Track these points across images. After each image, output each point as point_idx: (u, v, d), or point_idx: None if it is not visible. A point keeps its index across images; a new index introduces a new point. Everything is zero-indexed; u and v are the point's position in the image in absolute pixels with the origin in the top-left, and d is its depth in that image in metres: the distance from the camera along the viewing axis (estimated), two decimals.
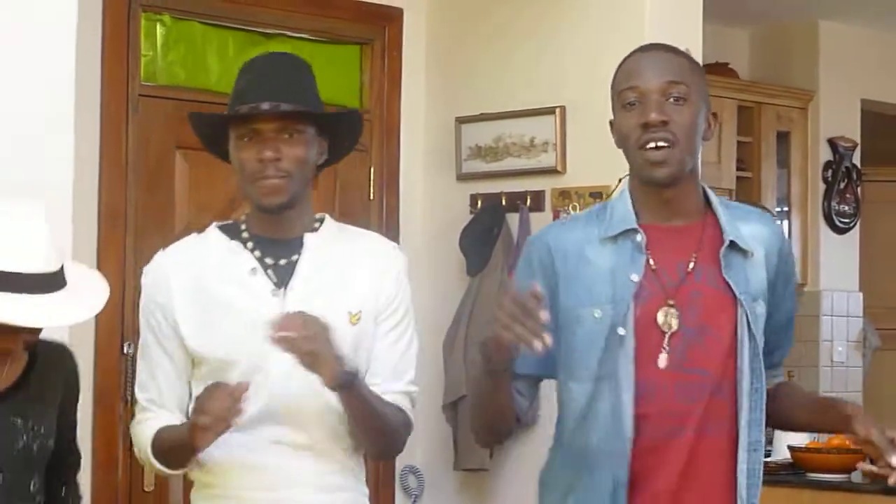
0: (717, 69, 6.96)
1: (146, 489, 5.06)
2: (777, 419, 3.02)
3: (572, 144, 5.45)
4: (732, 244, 2.84)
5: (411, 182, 5.85)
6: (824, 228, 7.54)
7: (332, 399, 2.89)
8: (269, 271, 2.96)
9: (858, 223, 7.68)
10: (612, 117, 2.87)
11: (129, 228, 5.08)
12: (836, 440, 5.33)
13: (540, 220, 5.38)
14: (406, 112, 5.83)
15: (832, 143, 7.57)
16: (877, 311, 7.76)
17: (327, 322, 2.80)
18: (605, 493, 2.79)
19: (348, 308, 2.95)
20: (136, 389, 3.05)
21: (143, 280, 3.04)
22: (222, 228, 3.03)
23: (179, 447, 2.88)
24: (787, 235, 4.62)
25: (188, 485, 3.08)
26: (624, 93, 2.82)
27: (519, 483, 5.40)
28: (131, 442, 3.08)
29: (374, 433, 2.97)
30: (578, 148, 5.42)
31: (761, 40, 7.69)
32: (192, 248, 3.03)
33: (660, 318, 2.80)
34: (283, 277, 2.95)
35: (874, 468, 2.79)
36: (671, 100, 2.79)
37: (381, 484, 5.58)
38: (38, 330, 2.80)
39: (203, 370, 2.95)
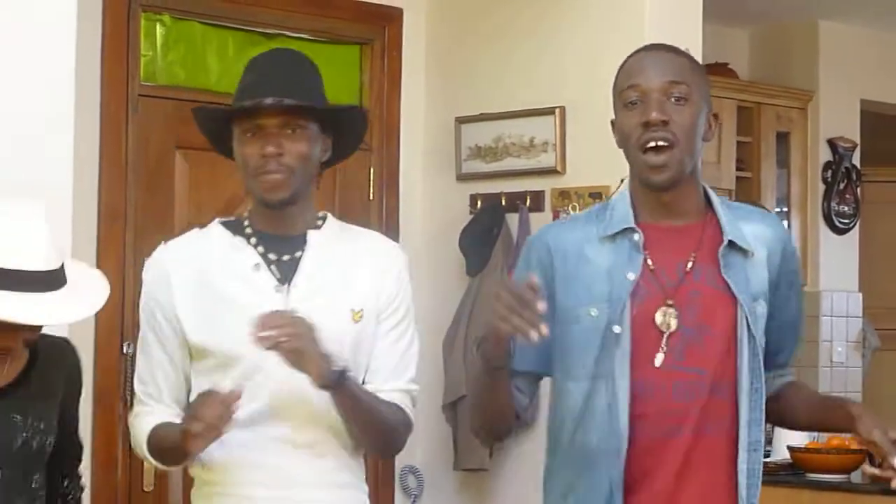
0: (717, 69, 6.96)
1: (146, 489, 5.06)
2: (783, 418, 3.03)
3: (572, 145, 5.45)
4: (732, 244, 2.84)
5: (411, 182, 5.85)
6: (824, 229, 7.55)
7: None
8: (273, 267, 2.96)
9: (858, 223, 7.68)
10: (613, 117, 2.87)
11: (129, 228, 5.08)
12: (836, 440, 5.34)
13: (540, 221, 5.38)
14: (406, 112, 5.83)
15: (832, 143, 7.57)
16: (876, 311, 7.76)
17: (312, 321, 2.80)
18: (604, 493, 2.79)
19: (351, 305, 2.96)
20: (136, 381, 3.06)
21: (144, 275, 3.04)
22: (225, 224, 3.03)
23: (173, 448, 2.89)
24: None
25: (188, 484, 3.09)
26: (625, 92, 2.82)
27: (519, 483, 5.41)
28: (131, 442, 3.08)
29: (371, 432, 2.98)
30: (578, 148, 5.42)
31: (761, 40, 7.69)
32: (195, 244, 3.03)
33: (658, 318, 2.80)
34: (286, 274, 2.95)
35: (877, 471, 2.79)
36: (672, 99, 2.79)
37: (380, 484, 5.58)
38: (39, 328, 2.80)
39: (208, 363, 2.95)
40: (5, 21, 3.46)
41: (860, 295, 7.67)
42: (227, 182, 5.06)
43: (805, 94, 7.47)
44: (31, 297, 2.68)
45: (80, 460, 3.11)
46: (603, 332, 2.80)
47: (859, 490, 5.19)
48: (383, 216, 5.75)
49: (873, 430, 2.78)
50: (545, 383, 2.96)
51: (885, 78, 7.75)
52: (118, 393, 4.99)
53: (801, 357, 7.32)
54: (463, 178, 5.77)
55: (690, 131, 2.80)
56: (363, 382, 2.99)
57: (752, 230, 2.88)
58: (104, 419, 4.95)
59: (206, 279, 2.96)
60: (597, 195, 5.26)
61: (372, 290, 2.99)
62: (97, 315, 2.87)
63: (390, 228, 5.63)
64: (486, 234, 5.56)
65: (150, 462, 3.02)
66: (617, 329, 2.79)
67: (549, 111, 5.49)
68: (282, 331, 2.75)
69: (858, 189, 7.68)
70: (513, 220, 5.57)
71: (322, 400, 2.89)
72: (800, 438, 5.45)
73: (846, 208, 7.62)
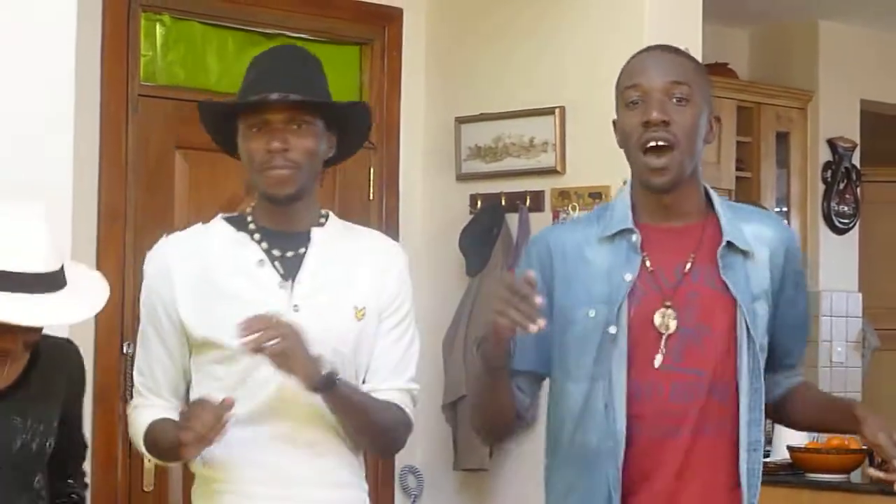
0: (717, 69, 6.96)
1: (146, 489, 5.06)
2: (789, 418, 3.04)
3: (572, 145, 5.45)
4: (730, 244, 2.84)
5: (411, 182, 5.85)
6: (823, 229, 7.55)
7: None
8: (276, 263, 2.96)
9: (858, 224, 7.68)
10: (615, 117, 2.87)
11: (129, 228, 5.08)
12: (836, 440, 5.33)
13: (539, 221, 5.39)
14: (406, 112, 5.83)
15: (831, 143, 7.57)
16: (876, 311, 7.76)
17: (298, 324, 2.80)
18: (603, 494, 2.79)
19: (354, 303, 2.96)
20: (135, 372, 3.07)
21: (145, 267, 3.04)
22: (228, 219, 3.04)
23: (168, 450, 2.90)
24: None
25: (187, 484, 3.09)
26: (627, 91, 2.83)
27: (519, 483, 5.41)
28: (131, 442, 3.09)
29: (366, 433, 2.98)
30: (578, 148, 5.42)
31: (761, 40, 7.69)
32: (197, 238, 3.03)
33: (657, 319, 2.80)
34: (289, 270, 2.95)
35: (882, 474, 2.80)
36: (674, 100, 2.80)
37: (380, 484, 5.58)
38: (39, 329, 2.80)
39: (209, 357, 2.94)
40: (5, 21, 3.46)
41: (860, 295, 7.67)
42: (227, 182, 5.06)
43: (805, 94, 7.47)
44: (31, 298, 2.68)
45: (83, 458, 3.12)
46: (601, 333, 2.80)
47: (859, 490, 5.19)
48: (383, 216, 5.75)
49: (878, 434, 2.79)
50: (545, 384, 2.97)
51: (884, 78, 7.75)
52: (118, 393, 4.99)
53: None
54: (463, 178, 5.77)
55: (691, 132, 2.80)
56: (363, 381, 2.99)
57: (753, 230, 2.87)
58: (104, 419, 4.95)
59: (208, 274, 2.96)
60: (597, 195, 5.26)
61: (373, 289, 2.99)
62: (97, 315, 2.87)
63: (390, 228, 5.63)
64: (486, 234, 5.56)
65: (147, 456, 3.03)
66: (612, 330, 2.79)
67: (548, 111, 5.48)
68: (266, 333, 2.75)
69: (858, 189, 7.68)
70: (513, 220, 5.57)
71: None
72: (799, 438, 5.45)
73: (846, 208, 7.62)
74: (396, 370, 3.01)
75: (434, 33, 5.88)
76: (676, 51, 2.89)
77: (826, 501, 5.30)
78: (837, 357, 7.55)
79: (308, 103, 2.92)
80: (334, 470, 2.97)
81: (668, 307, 2.80)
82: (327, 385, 2.83)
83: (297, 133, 2.92)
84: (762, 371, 2.85)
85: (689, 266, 2.83)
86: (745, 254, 2.85)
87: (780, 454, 5.59)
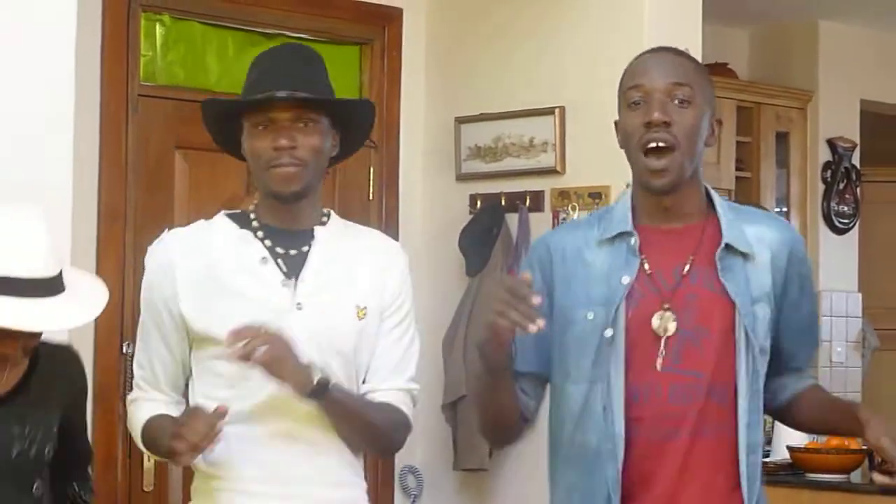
0: (717, 69, 6.96)
1: (146, 489, 5.06)
2: (794, 420, 3.04)
3: (572, 145, 5.45)
4: (729, 246, 2.83)
5: (411, 182, 5.85)
6: (823, 229, 7.55)
7: None
8: (280, 261, 2.96)
9: (857, 224, 7.68)
10: (615, 117, 2.87)
11: (129, 228, 5.08)
12: (836, 440, 5.33)
13: (539, 221, 5.39)
14: (406, 112, 5.83)
15: (831, 143, 7.57)
16: (876, 311, 7.77)
17: (287, 333, 2.80)
18: (602, 495, 2.79)
19: (356, 302, 2.96)
20: (134, 365, 3.07)
21: (147, 261, 3.04)
22: (231, 216, 3.03)
23: (164, 453, 2.91)
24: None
25: (187, 484, 3.09)
26: (629, 92, 2.82)
27: (518, 483, 5.41)
28: (131, 442, 3.09)
29: (363, 436, 2.99)
30: (578, 148, 5.42)
31: (761, 40, 7.69)
32: (200, 235, 3.03)
33: (655, 321, 2.80)
34: (293, 268, 2.95)
35: (887, 479, 2.80)
36: (676, 101, 2.79)
37: (380, 483, 5.58)
38: (38, 335, 2.79)
39: (209, 352, 2.94)
40: (5, 21, 3.46)
41: (860, 295, 7.67)
42: (227, 182, 5.06)
43: (805, 94, 7.48)
44: (30, 303, 2.67)
45: (88, 461, 3.12)
46: (599, 335, 2.80)
47: (859, 490, 5.19)
48: (383, 216, 5.75)
49: (882, 437, 2.78)
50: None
51: (884, 78, 7.75)
52: (118, 393, 4.98)
53: None
54: (463, 178, 5.76)
55: (692, 134, 2.80)
56: (363, 381, 3.00)
57: (756, 232, 2.87)
58: (104, 419, 4.95)
59: (211, 271, 2.95)
60: (596, 195, 5.26)
61: (374, 288, 2.99)
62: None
63: (390, 228, 5.63)
64: (486, 234, 5.56)
65: (145, 451, 3.05)
66: (609, 332, 2.79)
67: (548, 111, 5.48)
68: (254, 342, 2.75)
69: (858, 189, 7.68)
70: (512, 220, 5.57)
71: None
72: (799, 438, 5.44)
73: (846, 208, 7.62)
74: (397, 370, 3.01)
75: (434, 33, 5.88)
76: (679, 52, 2.89)
77: (826, 501, 5.29)
78: (837, 357, 7.55)
79: (314, 101, 2.92)
80: (334, 469, 2.97)
81: (666, 309, 2.80)
82: (319, 392, 2.83)
83: (304, 131, 2.92)
84: (762, 373, 2.85)
85: (687, 268, 2.82)
86: (745, 256, 2.84)
87: (780, 454, 5.59)
